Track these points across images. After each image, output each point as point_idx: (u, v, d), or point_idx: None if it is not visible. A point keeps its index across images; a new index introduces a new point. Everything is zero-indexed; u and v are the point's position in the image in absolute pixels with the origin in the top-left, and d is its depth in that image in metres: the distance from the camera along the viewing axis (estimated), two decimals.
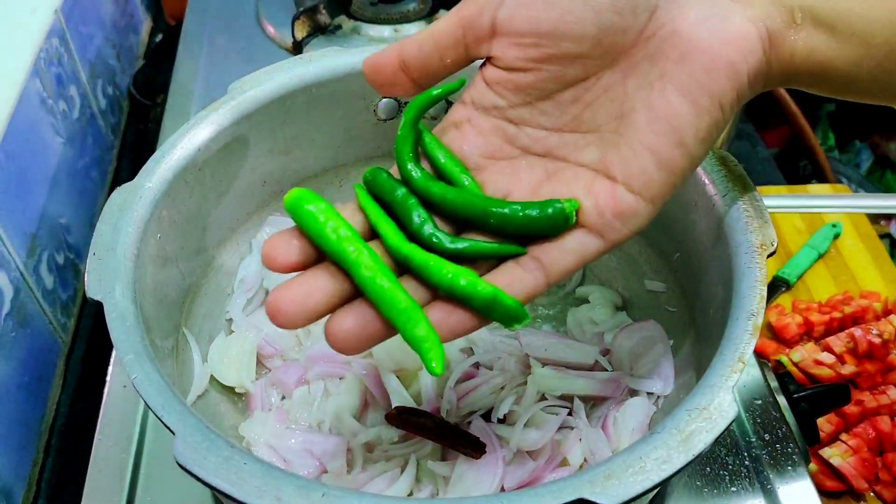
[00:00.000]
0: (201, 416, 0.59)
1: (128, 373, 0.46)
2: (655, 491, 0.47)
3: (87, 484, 0.66)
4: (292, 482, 0.42)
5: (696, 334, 0.64)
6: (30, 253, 0.85)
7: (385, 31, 1.11)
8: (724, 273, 0.57)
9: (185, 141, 0.60)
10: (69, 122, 1.02)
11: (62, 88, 1.01)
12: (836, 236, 1.19)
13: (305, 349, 0.69)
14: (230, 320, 0.70)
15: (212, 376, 0.65)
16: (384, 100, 0.73)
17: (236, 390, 0.67)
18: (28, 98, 0.89)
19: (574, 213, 0.45)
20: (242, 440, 0.62)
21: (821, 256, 1.16)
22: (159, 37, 1.43)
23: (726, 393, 0.47)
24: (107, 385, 0.72)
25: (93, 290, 0.50)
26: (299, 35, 1.08)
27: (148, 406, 0.45)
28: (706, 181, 0.60)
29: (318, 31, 1.10)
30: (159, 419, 0.44)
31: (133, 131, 1.25)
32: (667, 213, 0.66)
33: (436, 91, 0.48)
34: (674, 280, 0.69)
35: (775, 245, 0.56)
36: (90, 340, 0.95)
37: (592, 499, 0.42)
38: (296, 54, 0.86)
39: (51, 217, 0.92)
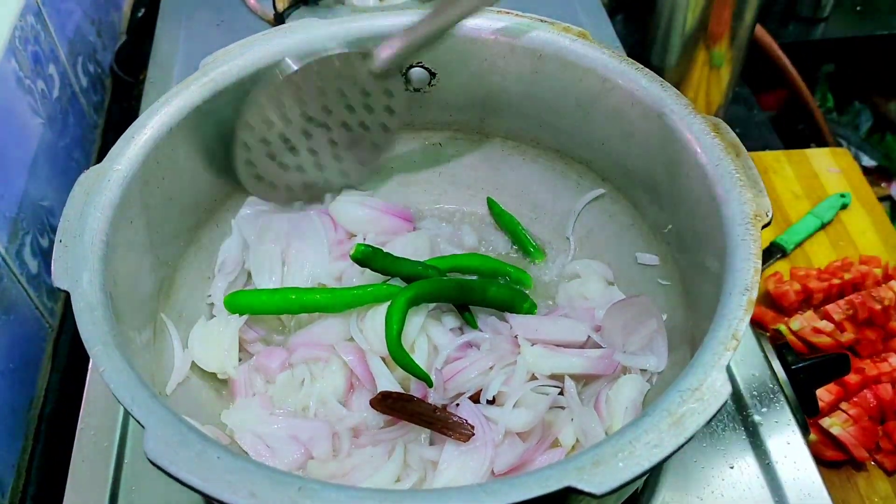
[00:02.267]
0: (182, 404, 0.58)
1: (96, 365, 0.44)
2: (647, 475, 0.46)
3: (71, 473, 0.65)
4: (267, 476, 0.40)
5: (690, 309, 0.62)
6: (11, 237, 0.83)
7: (370, 0, 1.08)
8: (717, 245, 0.55)
9: (155, 121, 0.58)
10: (48, 101, 0.99)
11: (40, 67, 0.98)
12: (844, 206, 1.16)
13: (289, 333, 0.68)
14: (211, 305, 0.68)
15: (193, 363, 0.63)
16: None
17: (219, 377, 0.65)
18: (3, 78, 0.86)
19: None
20: (225, 428, 0.60)
21: (824, 226, 1.14)
22: (142, 11, 1.40)
23: (719, 372, 0.45)
24: (89, 373, 0.70)
25: (59, 280, 0.48)
26: (281, 6, 1.05)
27: (117, 399, 0.43)
28: (697, 149, 0.58)
29: (300, 1, 1.07)
30: (129, 413, 0.43)
31: (117, 109, 1.23)
32: (657, 182, 0.65)
33: None
34: (666, 252, 0.67)
35: (770, 215, 0.54)
36: None
37: (580, 487, 0.40)
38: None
39: (32, 200, 0.90)
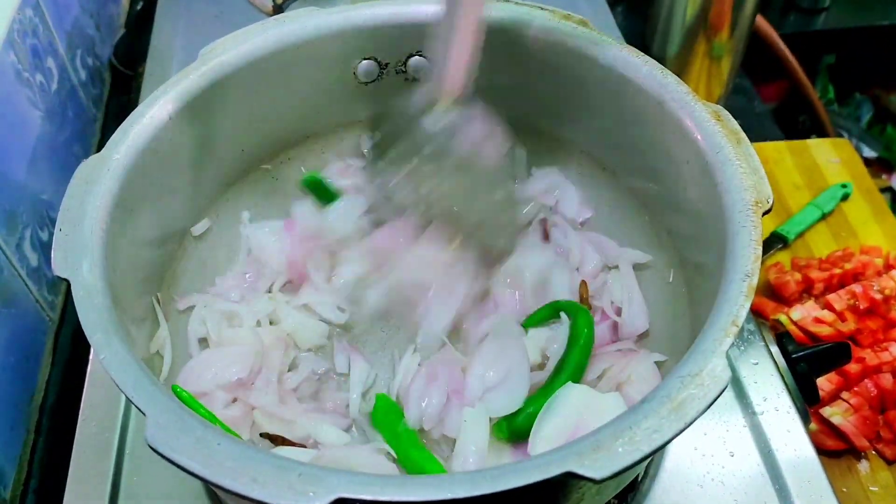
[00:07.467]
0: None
1: (96, 353, 0.44)
2: (647, 461, 0.46)
3: (73, 464, 0.65)
4: (268, 462, 0.40)
5: (692, 298, 0.62)
6: (11, 231, 0.83)
7: None
8: (718, 232, 0.54)
9: (153, 110, 0.58)
10: (47, 95, 0.99)
11: (38, 60, 0.98)
12: (845, 197, 1.15)
13: None
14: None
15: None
16: (364, 61, 0.70)
17: None
18: (2, 71, 0.86)
19: None
20: None
21: (825, 216, 1.14)
22: (140, 4, 1.40)
23: (719, 358, 0.45)
24: (89, 364, 0.70)
25: (59, 268, 0.48)
26: None
27: (118, 386, 0.43)
28: (698, 137, 0.58)
29: None
30: (129, 400, 0.43)
31: (116, 102, 1.23)
32: (658, 170, 0.65)
33: None
34: (668, 244, 0.67)
35: (771, 202, 0.53)
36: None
37: (580, 472, 0.40)
38: None
39: (32, 193, 0.90)
